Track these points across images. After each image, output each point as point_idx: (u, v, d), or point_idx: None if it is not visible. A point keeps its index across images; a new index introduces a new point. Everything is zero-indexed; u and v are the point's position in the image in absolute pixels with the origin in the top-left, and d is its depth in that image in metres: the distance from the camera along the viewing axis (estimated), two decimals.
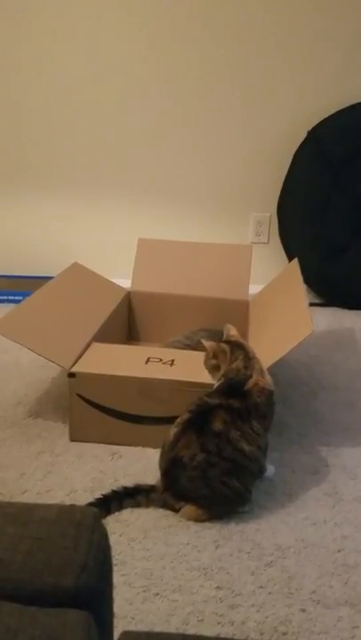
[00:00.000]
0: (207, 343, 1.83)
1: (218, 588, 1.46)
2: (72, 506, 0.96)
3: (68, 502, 1.69)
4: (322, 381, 2.45)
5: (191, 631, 1.34)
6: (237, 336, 1.88)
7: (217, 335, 2.00)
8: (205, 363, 1.83)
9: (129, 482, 1.74)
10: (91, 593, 0.84)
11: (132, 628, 1.33)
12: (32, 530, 0.89)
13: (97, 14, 2.96)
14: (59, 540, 0.87)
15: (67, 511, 0.94)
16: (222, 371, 1.78)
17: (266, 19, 2.94)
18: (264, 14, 2.94)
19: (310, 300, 2.90)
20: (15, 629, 0.74)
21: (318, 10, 2.93)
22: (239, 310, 2.54)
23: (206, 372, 1.83)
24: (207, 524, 1.65)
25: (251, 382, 1.71)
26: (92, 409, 1.95)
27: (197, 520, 1.66)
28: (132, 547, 1.57)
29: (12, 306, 2.47)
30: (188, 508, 1.66)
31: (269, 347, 1.95)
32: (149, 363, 2.04)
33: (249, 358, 1.77)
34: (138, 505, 1.69)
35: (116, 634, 0.85)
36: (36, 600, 0.80)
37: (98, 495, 1.68)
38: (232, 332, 1.90)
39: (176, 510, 1.67)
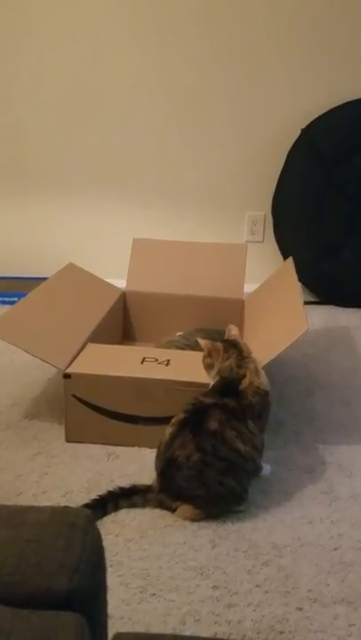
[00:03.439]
0: (203, 341, 1.83)
1: (214, 587, 1.46)
2: (65, 507, 0.96)
3: (64, 503, 1.69)
4: (317, 379, 2.45)
5: (188, 631, 1.34)
6: (237, 336, 1.88)
7: (214, 335, 2.00)
8: (203, 361, 1.83)
9: (125, 482, 1.74)
10: (83, 595, 0.84)
11: (128, 628, 1.33)
12: (25, 532, 0.89)
13: (95, 17, 2.95)
14: (51, 543, 0.87)
15: (60, 513, 0.93)
16: (216, 369, 1.78)
17: (259, 19, 2.94)
18: (258, 15, 2.93)
19: (305, 298, 2.89)
20: (7, 632, 0.74)
21: (311, 9, 2.92)
22: (234, 309, 2.54)
23: (202, 371, 1.83)
24: (203, 524, 1.65)
25: (245, 382, 1.71)
26: (88, 410, 1.95)
27: (194, 520, 1.66)
28: (128, 547, 1.57)
29: (6, 307, 2.46)
30: (185, 508, 1.66)
31: (265, 345, 1.95)
32: (145, 363, 2.04)
33: (243, 357, 1.76)
34: (134, 505, 1.69)
35: (113, 634, 0.85)
36: (28, 603, 0.80)
37: (94, 496, 1.68)
38: (233, 331, 1.89)
39: (172, 510, 1.67)
